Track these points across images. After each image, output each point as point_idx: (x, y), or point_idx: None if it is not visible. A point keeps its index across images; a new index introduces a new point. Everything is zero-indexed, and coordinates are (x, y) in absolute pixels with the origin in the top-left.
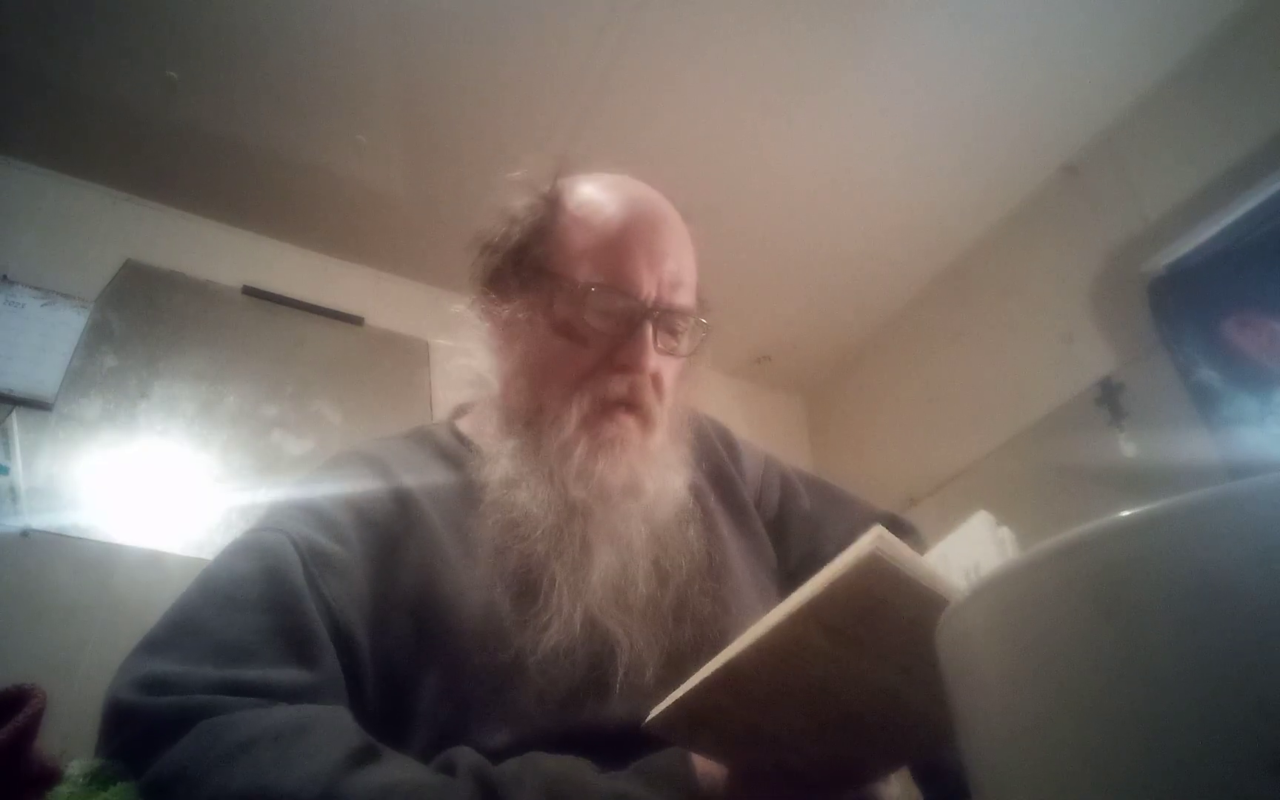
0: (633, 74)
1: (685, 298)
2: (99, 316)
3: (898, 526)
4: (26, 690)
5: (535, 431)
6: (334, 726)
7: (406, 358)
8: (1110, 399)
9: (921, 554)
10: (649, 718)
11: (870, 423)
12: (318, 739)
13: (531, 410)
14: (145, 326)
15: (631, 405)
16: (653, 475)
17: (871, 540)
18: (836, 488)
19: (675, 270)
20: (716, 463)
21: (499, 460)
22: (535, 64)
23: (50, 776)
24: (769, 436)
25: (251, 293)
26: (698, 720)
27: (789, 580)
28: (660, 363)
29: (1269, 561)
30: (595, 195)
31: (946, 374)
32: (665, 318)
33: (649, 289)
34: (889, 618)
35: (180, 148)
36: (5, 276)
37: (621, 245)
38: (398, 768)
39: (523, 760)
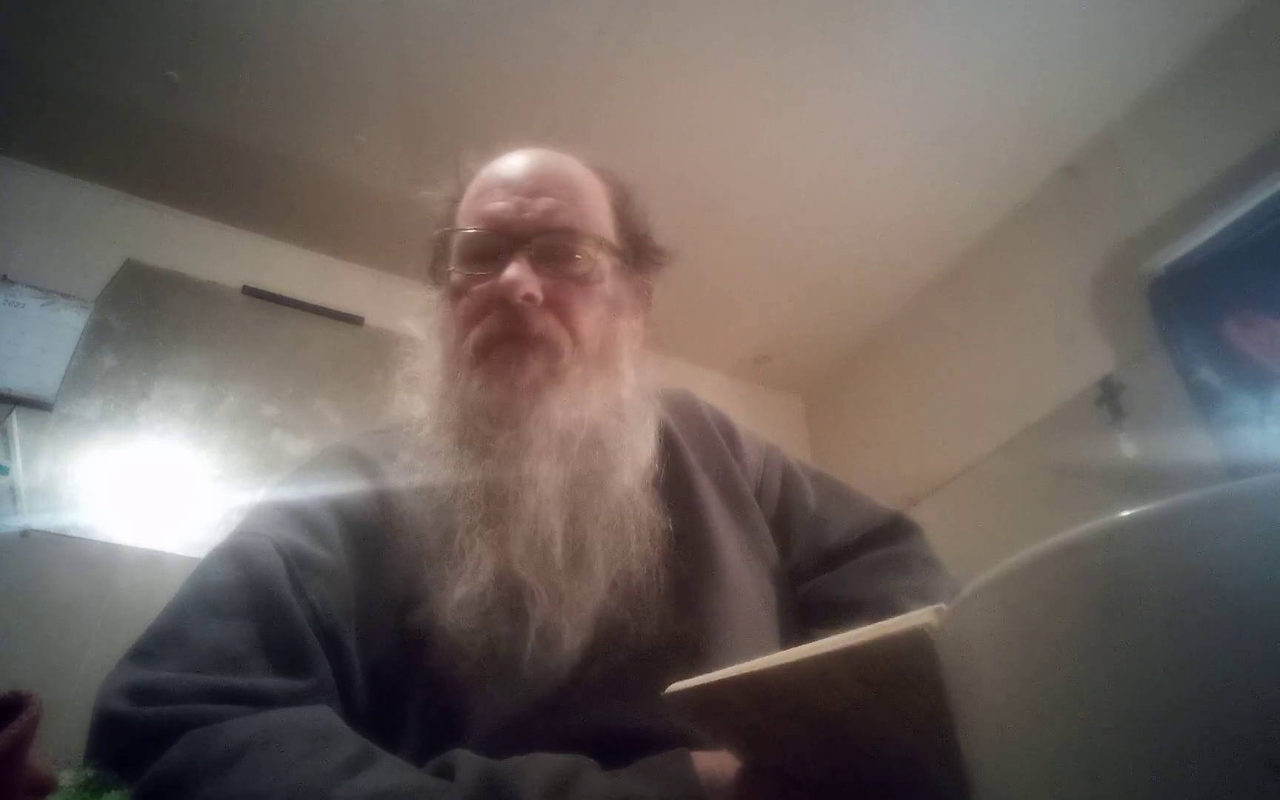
0: (633, 74)
1: (565, 219)
2: (99, 316)
3: (902, 526)
4: (23, 697)
5: (442, 397)
6: (328, 731)
7: (407, 358)
8: (1110, 399)
9: (926, 554)
10: (666, 692)
11: (870, 423)
12: (311, 744)
13: (440, 380)
14: (145, 326)
15: (519, 336)
16: (563, 405)
17: (926, 616)
18: (841, 483)
19: (544, 195)
20: (715, 452)
21: (413, 434)
22: (535, 64)
23: (45, 786)
24: (769, 437)
25: (251, 293)
26: (710, 708)
27: (791, 576)
28: (560, 290)
29: (1269, 561)
30: (482, 169)
31: (946, 374)
32: (543, 240)
33: (510, 217)
34: (921, 689)
35: (180, 148)
36: (5, 276)
37: (484, 192)
38: (394, 771)
39: (527, 758)
